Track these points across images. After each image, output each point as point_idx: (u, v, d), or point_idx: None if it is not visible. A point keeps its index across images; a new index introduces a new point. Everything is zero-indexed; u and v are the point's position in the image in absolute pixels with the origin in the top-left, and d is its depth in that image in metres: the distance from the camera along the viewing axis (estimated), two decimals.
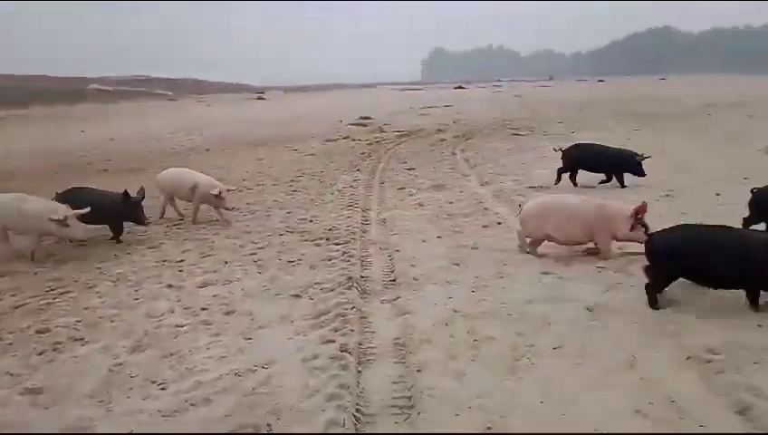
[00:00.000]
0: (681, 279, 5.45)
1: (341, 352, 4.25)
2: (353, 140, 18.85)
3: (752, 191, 6.52)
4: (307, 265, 6.38)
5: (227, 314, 5.16)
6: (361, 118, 26.30)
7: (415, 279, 5.86)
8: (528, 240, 6.56)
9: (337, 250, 6.90)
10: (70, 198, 7.34)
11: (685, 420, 3.35)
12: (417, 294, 5.45)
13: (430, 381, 3.87)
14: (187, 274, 6.28)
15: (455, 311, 5.00)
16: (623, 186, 9.99)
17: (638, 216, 5.87)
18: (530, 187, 10.18)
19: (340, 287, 5.59)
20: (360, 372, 4.05)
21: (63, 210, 6.75)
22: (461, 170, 12.52)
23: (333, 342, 4.44)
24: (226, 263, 6.59)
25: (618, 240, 6.16)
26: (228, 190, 8.49)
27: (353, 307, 5.07)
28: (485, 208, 8.82)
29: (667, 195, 9.08)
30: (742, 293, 4.86)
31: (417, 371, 4.01)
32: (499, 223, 7.94)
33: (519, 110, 29.18)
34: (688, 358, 4.00)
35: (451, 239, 7.25)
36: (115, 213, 7.60)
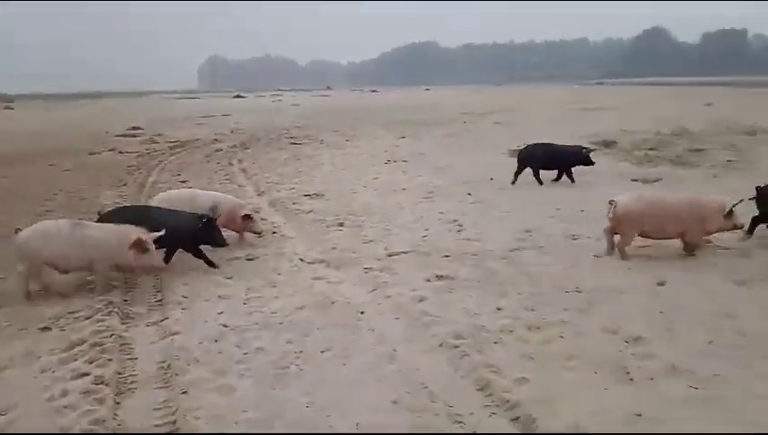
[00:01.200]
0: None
1: (96, 384, 3.93)
2: (120, 152, 17.46)
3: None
4: (59, 294, 5.76)
5: None
6: (131, 128, 24.48)
7: (184, 297, 5.63)
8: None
9: None
10: (125, 218, 6.07)
11: (436, 403, 3.67)
12: (187, 313, 5.24)
13: (196, 401, 3.75)
14: None
15: (225, 326, 4.91)
16: (573, 181, 10.52)
17: (731, 209, 6.10)
18: (305, 195, 10.38)
19: (99, 314, 5.15)
20: (118, 403, 3.77)
21: (141, 233, 5.73)
22: (237, 181, 12.33)
23: (88, 374, 4.08)
24: None
25: (708, 233, 6.29)
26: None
27: (112, 334, 4.71)
28: (261, 218, 8.77)
29: (427, 196, 9.90)
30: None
31: (183, 392, 3.86)
32: (274, 232, 7.98)
33: (297, 119, 29.56)
34: (440, 345, 4.41)
35: (224, 251, 7.07)
36: (191, 236, 6.40)
